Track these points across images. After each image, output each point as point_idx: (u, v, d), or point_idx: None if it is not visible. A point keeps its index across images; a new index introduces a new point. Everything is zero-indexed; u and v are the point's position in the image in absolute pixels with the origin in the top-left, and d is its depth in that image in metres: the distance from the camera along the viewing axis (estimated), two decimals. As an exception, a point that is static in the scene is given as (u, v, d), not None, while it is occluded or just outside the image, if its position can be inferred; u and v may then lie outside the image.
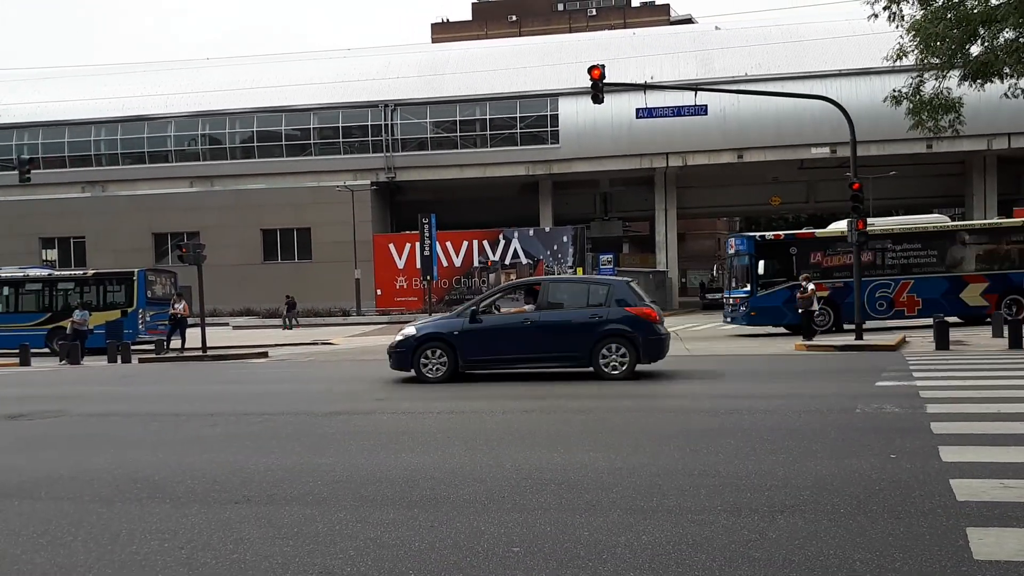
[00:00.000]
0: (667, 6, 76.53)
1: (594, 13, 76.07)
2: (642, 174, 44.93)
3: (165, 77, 47.64)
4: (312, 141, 45.49)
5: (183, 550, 4.60)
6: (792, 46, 41.81)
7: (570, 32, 61.68)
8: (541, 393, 11.43)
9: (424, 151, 44.71)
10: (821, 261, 22.63)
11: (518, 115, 43.86)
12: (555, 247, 43.81)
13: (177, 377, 16.79)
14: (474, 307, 13.27)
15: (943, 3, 17.29)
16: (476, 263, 43.81)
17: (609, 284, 13.59)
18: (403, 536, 4.71)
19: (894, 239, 22.53)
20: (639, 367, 12.81)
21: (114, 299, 26.37)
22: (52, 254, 47.11)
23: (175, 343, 23.76)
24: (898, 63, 18.37)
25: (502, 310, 13.72)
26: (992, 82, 18.18)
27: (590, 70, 19.00)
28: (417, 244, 38.30)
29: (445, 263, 42.15)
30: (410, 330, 13.47)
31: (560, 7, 79.67)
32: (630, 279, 14.62)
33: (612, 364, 12.57)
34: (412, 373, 13.06)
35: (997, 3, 16.78)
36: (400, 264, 43.50)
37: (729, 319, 24.36)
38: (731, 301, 24.03)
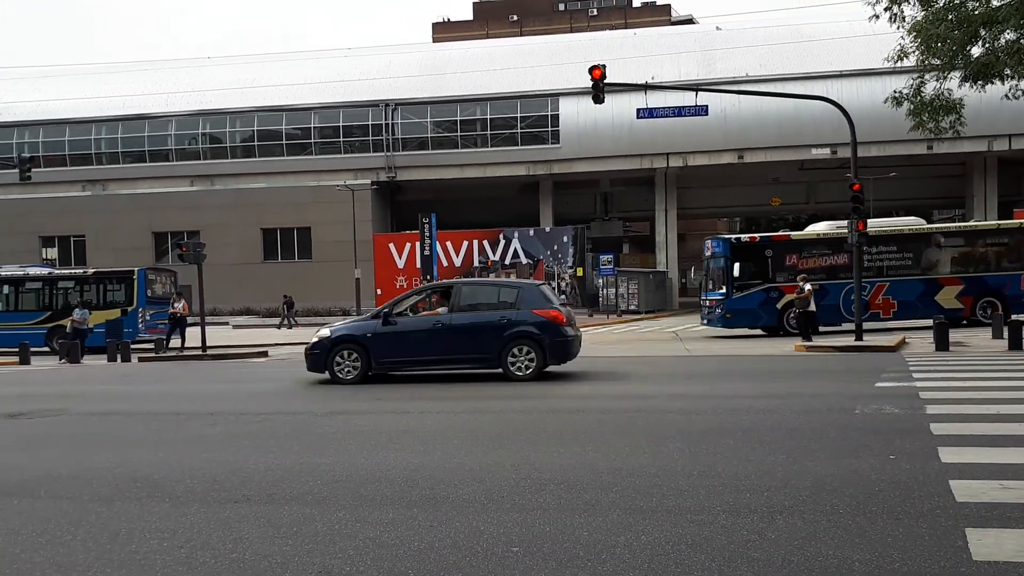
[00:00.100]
0: (668, 6, 76.52)
1: (595, 13, 76.05)
2: (643, 174, 44.93)
3: (166, 76, 47.65)
4: (313, 140, 45.48)
5: (182, 549, 4.61)
6: (793, 47, 41.80)
7: (571, 32, 61.71)
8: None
9: (425, 151, 44.71)
10: (797, 263, 22.60)
11: (519, 115, 43.86)
12: (555, 247, 43.84)
13: (177, 376, 16.78)
14: (386, 309, 13.57)
15: (944, 4, 17.26)
16: (476, 263, 43.83)
17: (519, 288, 13.82)
18: (402, 536, 4.71)
19: (869, 241, 22.52)
20: (560, 368, 13.23)
21: (114, 298, 26.36)
22: (52, 253, 47.12)
23: (175, 342, 23.77)
24: (899, 64, 18.34)
25: (424, 313, 14.05)
26: (993, 83, 18.15)
27: (591, 70, 18.99)
28: (417, 244, 38.37)
29: (445, 263, 42.19)
30: (325, 332, 13.74)
31: (561, 7, 79.65)
32: (542, 283, 14.98)
33: (520, 366, 12.84)
34: (327, 375, 13.33)
35: (998, 4, 16.76)
36: (400, 264, 43.54)
37: (706, 321, 24.41)
38: (707, 303, 24.06)
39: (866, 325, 21.80)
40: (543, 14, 75.88)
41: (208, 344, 22.30)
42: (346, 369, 13.18)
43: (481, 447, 7.39)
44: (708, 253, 24.29)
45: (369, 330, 13.33)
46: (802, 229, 25.59)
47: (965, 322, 21.59)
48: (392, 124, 44.58)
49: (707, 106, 21.05)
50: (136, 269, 26.80)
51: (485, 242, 44.19)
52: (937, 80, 18.27)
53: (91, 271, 27.57)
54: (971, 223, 28.52)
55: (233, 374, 16.09)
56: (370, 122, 44.72)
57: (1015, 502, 4.99)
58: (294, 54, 50.78)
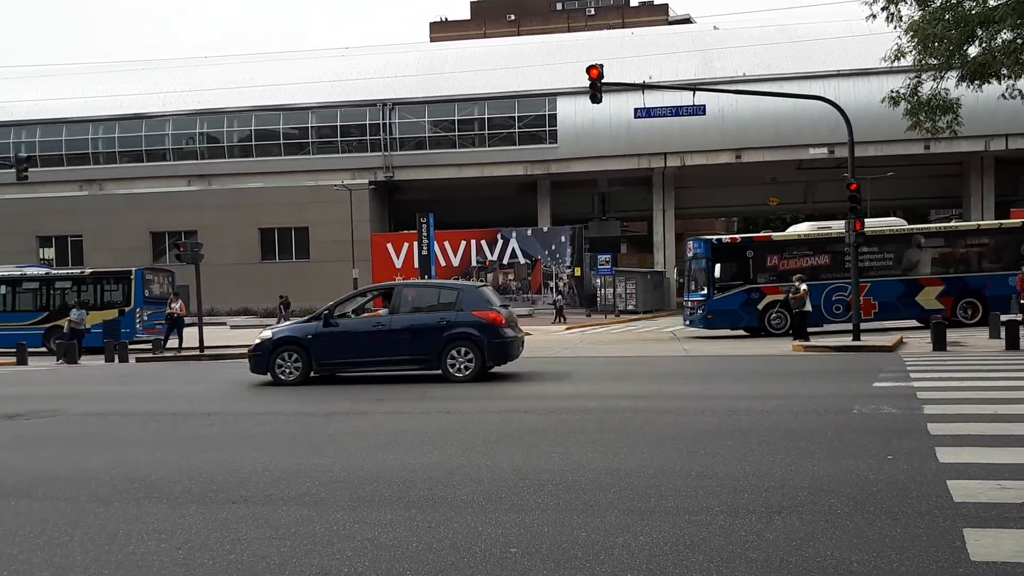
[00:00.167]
0: (665, 6, 76.54)
1: (592, 13, 76.07)
2: (640, 174, 44.95)
3: (163, 75, 47.59)
4: (310, 140, 45.45)
5: (180, 551, 4.60)
6: (790, 46, 41.84)
7: (568, 31, 61.67)
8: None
9: (422, 150, 44.70)
10: (778, 264, 22.63)
11: (516, 115, 43.86)
12: (553, 247, 43.87)
13: (175, 376, 16.76)
14: (327, 311, 13.65)
15: (941, 4, 17.27)
16: (474, 263, 43.86)
17: (458, 289, 13.90)
18: (400, 537, 4.71)
19: None
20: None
21: (111, 298, 26.33)
22: (49, 253, 47.04)
23: (172, 342, 23.74)
24: (896, 64, 18.35)
25: (365, 314, 14.14)
26: (990, 83, 18.16)
27: (588, 70, 18.99)
28: (415, 244, 38.32)
29: (443, 263, 42.19)
30: (267, 333, 13.97)
31: (559, 7, 79.63)
32: (482, 284, 15.08)
33: (459, 367, 12.95)
34: (269, 377, 13.43)
35: (995, 4, 16.77)
36: (398, 264, 43.54)
37: (688, 322, 24.46)
38: (689, 304, 24.10)
39: (846, 326, 21.85)
40: (540, 14, 75.87)
41: (206, 344, 22.28)
42: (287, 370, 13.31)
43: (479, 448, 7.40)
44: (690, 254, 24.38)
45: (310, 332, 13.46)
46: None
47: (947, 323, 21.54)
48: (390, 124, 44.56)
49: (704, 106, 21.09)
50: (133, 269, 26.78)
51: (483, 242, 44.22)
52: (934, 80, 18.29)
53: (88, 271, 27.54)
54: (951, 224, 28.54)
55: (231, 374, 16.06)
56: (368, 122, 44.70)
57: (1013, 502, 4.99)
58: (291, 54, 50.73)
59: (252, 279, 43.96)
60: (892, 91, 18.87)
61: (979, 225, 24.79)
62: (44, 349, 24.86)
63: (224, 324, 37.68)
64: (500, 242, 44.02)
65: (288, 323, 15.46)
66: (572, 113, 42.61)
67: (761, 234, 24.72)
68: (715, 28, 46.60)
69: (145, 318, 25.95)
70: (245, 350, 22.72)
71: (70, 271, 29.85)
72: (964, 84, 18.21)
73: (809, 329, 20.47)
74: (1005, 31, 16.75)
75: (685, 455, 6.71)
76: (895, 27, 17.99)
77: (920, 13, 17.47)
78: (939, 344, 16.53)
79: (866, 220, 24.52)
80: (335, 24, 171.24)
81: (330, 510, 5.33)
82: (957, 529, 4.52)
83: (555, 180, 46.01)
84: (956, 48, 17.40)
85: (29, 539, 4.92)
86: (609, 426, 8.36)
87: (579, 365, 16.33)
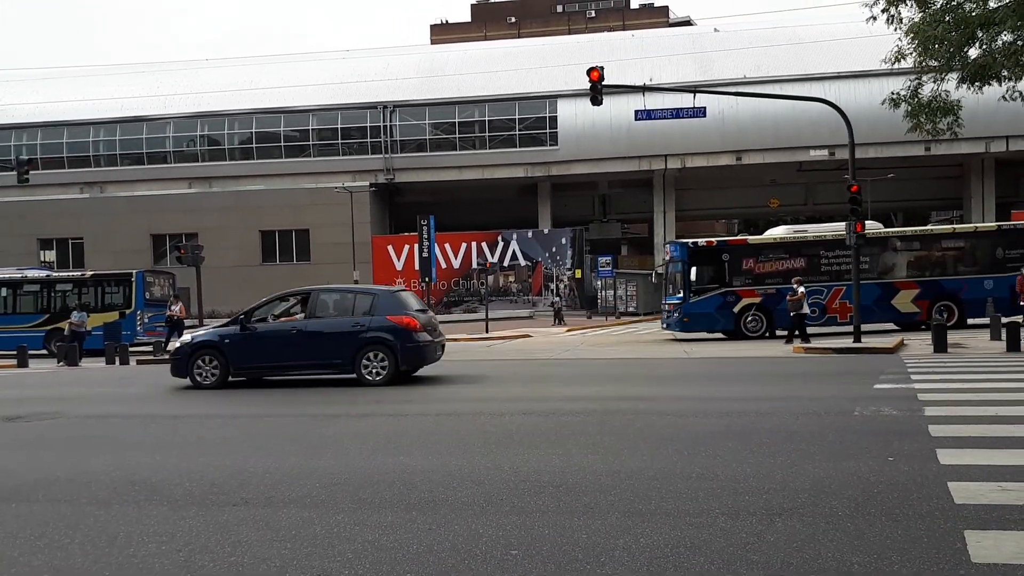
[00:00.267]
0: (666, 8, 76.63)
1: (593, 15, 76.17)
2: (641, 176, 44.96)
3: (164, 78, 47.63)
4: (311, 142, 45.50)
5: (181, 553, 4.60)
6: (791, 48, 41.87)
7: (569, 34, 61.79)
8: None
9: (423, 153, 44.74)
10: (754, 268, 22.60)
11: (517, 117, 43.89)
12: (554, 249, 43.89)
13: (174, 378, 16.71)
14: (243, 315, 13.73)
15: (941, 5, 17.26)
16: (475, 265, 43.88)
17: (374, 294, 13.95)
18: (401, 539, 4.71)
19: (826, 246, 22.42)
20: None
21: (112, 300, 26.36)
22: (50, 255, 47.08)
23: (172, 345, 23.70)
24: (896, 65, 18.34)
25: (282, 319, 14.22)
26: (990, 85, 18.15)
27: (589, 72, 19.00)
28: (416, 246, 38.26)
29: (444, 265, 42.20)
30: (186, 337, 14.22)
31: (559, 9, 79.74)
32: (401, 289, 15.20)
33: (372, 371, 13.01)
34: (189, 381, 13.54)
35: (995, 6, 16.77)
36: (399, 266, 43.57)
37: (665, 325, 24.44)
38: (667, 307, 24.09)
39: (822, 330, 21.88)
40: (541, 16, 75.98)
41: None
42: (205, 374, 13.49)
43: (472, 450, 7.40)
44: (667, 257, 24.41)
45: (227, 336, 13.60)
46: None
47: (924, 326, 21.50)
48: (390, 126, 44.59)
49: (705, 108, 21.08)
50: (134, 272, 26.80)
51: (484, 244, 44.24)
52: (934, 81, 18.28)
53: (89, 273, 27.56)
54: (927, 227, 28.49)
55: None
56: (368, 124, 44.74)
57: (1014, 504, 4.99)
58: (292, 56, 50.82)
59: (253, 281, 43.86)
60: (892, 93, 18.87)
61: (954, 229, 24.82)
62: (45, 351, 24.87)
63: (225, 326, 37.64)
64: (501, 244, 44.04)
65: (207, 328, 15.46)
66: (573, 115, 42.64)
67: (737, 237, 24.77)
68: (715, 30, 46.66)
69: (146, 320, 25.97)
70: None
71: (71, 273, 29.86)
72: (964, 86, 18.20)
73: (779, 332, 20.50)
74: (1005, 33, 16.75)
75: (686, 457, 6.70)
76: (895, 29, 17.98)
77: (920, 15, 17.46)
78: (940, 346, 16.51)
79: (842, 224, 24.65)
80: (335, 25, 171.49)
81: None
82: (958, 531, 4.51)
83: (556, 182, 46.03)
84: (956, 50, 17.39)
85: (30, 541, 4.92)
86: (610, 428, 8.35)
87: (581, 367, 16.32)
